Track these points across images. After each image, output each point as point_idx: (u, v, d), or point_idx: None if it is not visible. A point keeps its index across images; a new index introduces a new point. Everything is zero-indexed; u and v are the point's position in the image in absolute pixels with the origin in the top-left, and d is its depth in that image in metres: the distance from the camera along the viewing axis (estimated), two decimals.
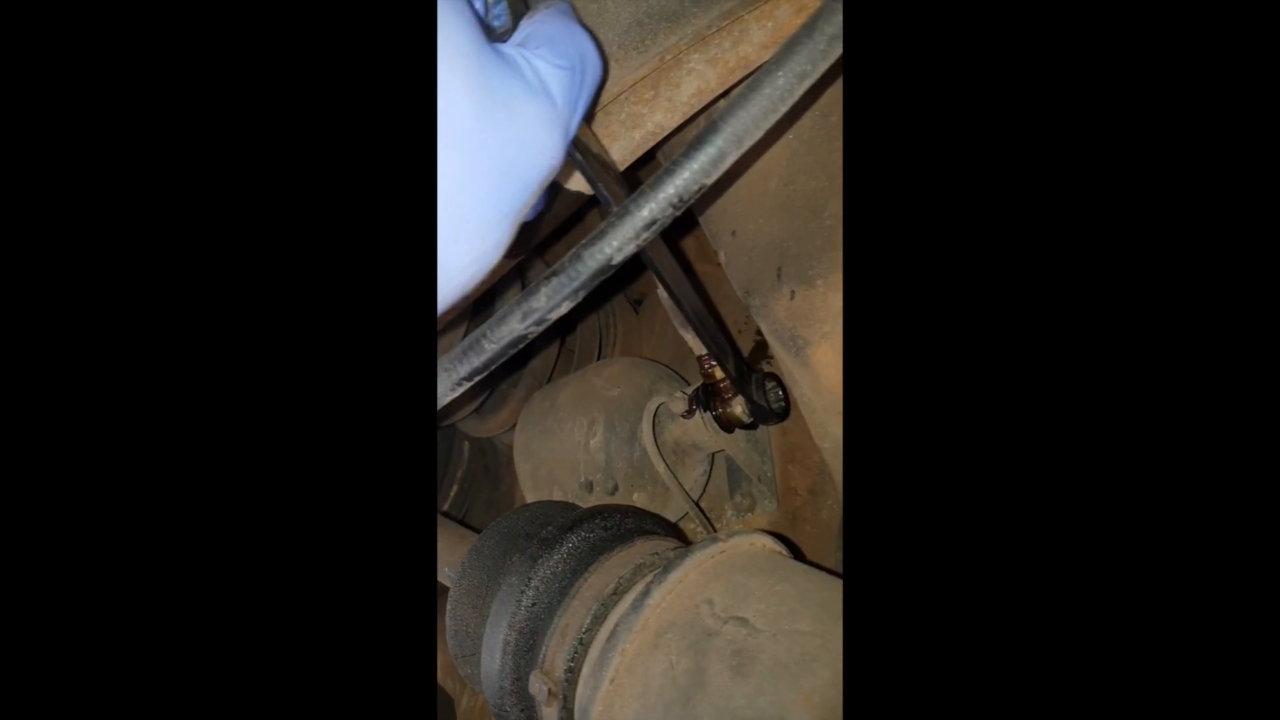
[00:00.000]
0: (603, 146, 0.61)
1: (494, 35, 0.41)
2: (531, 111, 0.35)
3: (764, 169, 0.86)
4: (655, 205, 0.52)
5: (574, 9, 0.46)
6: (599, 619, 0.60)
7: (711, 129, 0.51)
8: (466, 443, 1.51)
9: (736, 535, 0.61)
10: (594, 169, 0.56)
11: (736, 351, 0.92)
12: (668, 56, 0.66)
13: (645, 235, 0.53)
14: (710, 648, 0.50)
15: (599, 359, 1.33)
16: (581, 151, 0.53)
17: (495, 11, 0.39)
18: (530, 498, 1.09)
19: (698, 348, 1.02)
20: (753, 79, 0.51)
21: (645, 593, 0.55)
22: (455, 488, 1.51)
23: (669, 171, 0.52)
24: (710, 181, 0.52)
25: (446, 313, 0.34)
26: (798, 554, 0.67)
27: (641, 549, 0.67)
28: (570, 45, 0.37)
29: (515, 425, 1.18)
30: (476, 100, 0.31)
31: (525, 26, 0.40)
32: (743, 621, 0.51)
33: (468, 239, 0.33)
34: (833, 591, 0.53)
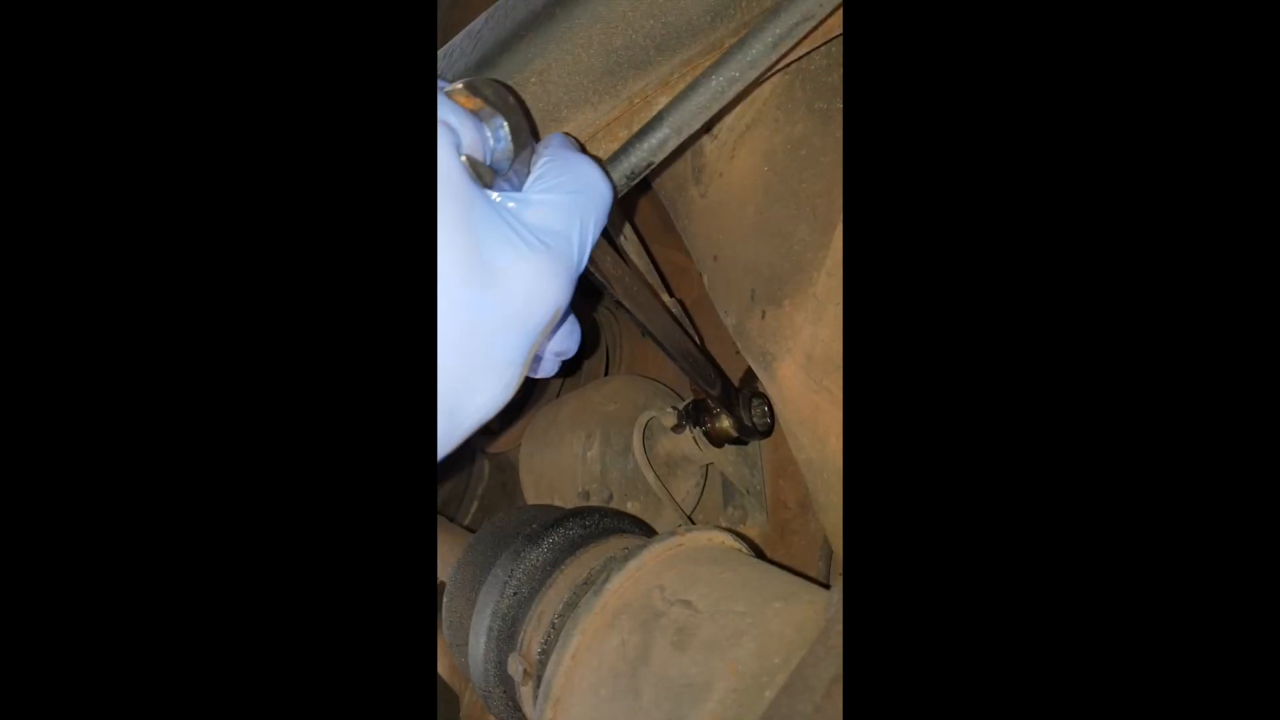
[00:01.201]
0: (618, 252, 0.66)
1: (494, 157, 0.39)
2: (528, 269, 0.34)
3: (742, 198, 0.93)
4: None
5: (574, 139, 0.45)
6: (570, 605, 0.67)
7: (656, 119, 0.60)
8: (487, 462, 1.59)
9: (696, 530, 0.67)
10: (609, 279, 0.62)
11: (721, 373, 0.98)
12: (636, 100, 0.73)
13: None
14: (656, 626, 0.56)
15: (605, 371, 1.40)
16: (596, 267, 0.58)
17: (497, 134, 0.37)
18: None
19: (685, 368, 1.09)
20: (694, 81, 0.60)
21: (605, 578, 0.61)
22: (476, 504, 1.58)
23: (623, 152, 0.61)
24: (656, 160, 0.60)
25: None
26: (759, 554, 0.73)
27: (614, 545, 0.73)
28: (573, 182, 0.38)
29: None
30: (465, 271, 0.32)
31: (529, 162, 0.40)
32: (687, 604, 0.57)
33: (474, 387, 0.33)
34: (773, 579, 0.59)
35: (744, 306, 0.88)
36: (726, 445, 1.09)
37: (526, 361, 0.36)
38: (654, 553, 0.63)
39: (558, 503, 1.11)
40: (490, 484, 1.63)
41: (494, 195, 0.37)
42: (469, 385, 0.33)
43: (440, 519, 1.21)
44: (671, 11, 0.67)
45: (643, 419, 1.04)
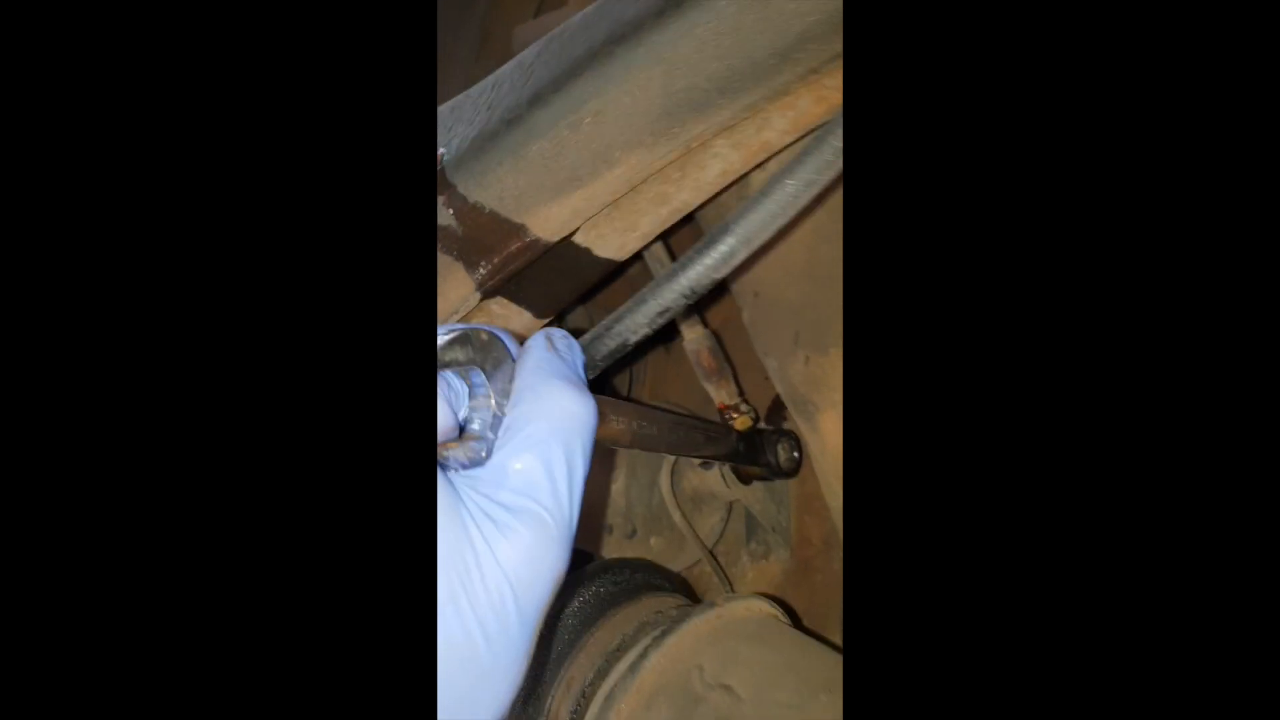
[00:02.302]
0: (632, 413, 0.63)
1: (471, 399, 0.39)
2: (519, 549, 0.33)
3: (790, 236, 0.90)
4: (668, 296, 0.57)
5: (548, 347, 0.43)
6: (602, 674, 0.64)
7: (723, 229, 0.56)
8: None
9: (734, 600, 0.64)
10: (617, 443, 0.59)
11: (744, 434, 0.95)
12: (694, 143, 0.70)
13: (659, 321, 0.57)
14: (696, 713, 0.53)
15: (628, 398, 1.37)
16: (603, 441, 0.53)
17: (475, 381, 0.37)
18: None
19: (719, 399, 1.06)
20: (765, 185, 0.56)
21: (643, 654, 0.59)
22: None
23: (683, 266, 0.57)
24: (721, 276, 0.57)
25: None
26: (795, 617, 0.70)
27: (648, 606, 0.71)
28: (550, 425, 0.36)
29: None
30: (450, 589, 0.31)
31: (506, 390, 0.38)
32: (728, 689, 0.54)
33: (485, 688, 0.32)
34: (818, 660, 0.56)
35: (786, 350, 0.85)
36: (755, 482, 1.06)
37: (533, 638, 0.34)
38: (692, 627, 0.61)
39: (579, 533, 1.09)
40: None
41: (463, 473, 0.35)
42: (477, 690, 0.32)
43: None
44: (736, 54, 0.64)
45: (671, 455, 1.01)
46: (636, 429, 0.66)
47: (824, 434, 0.77)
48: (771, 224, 0.55)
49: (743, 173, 0.75)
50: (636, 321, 0.57)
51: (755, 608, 0.64)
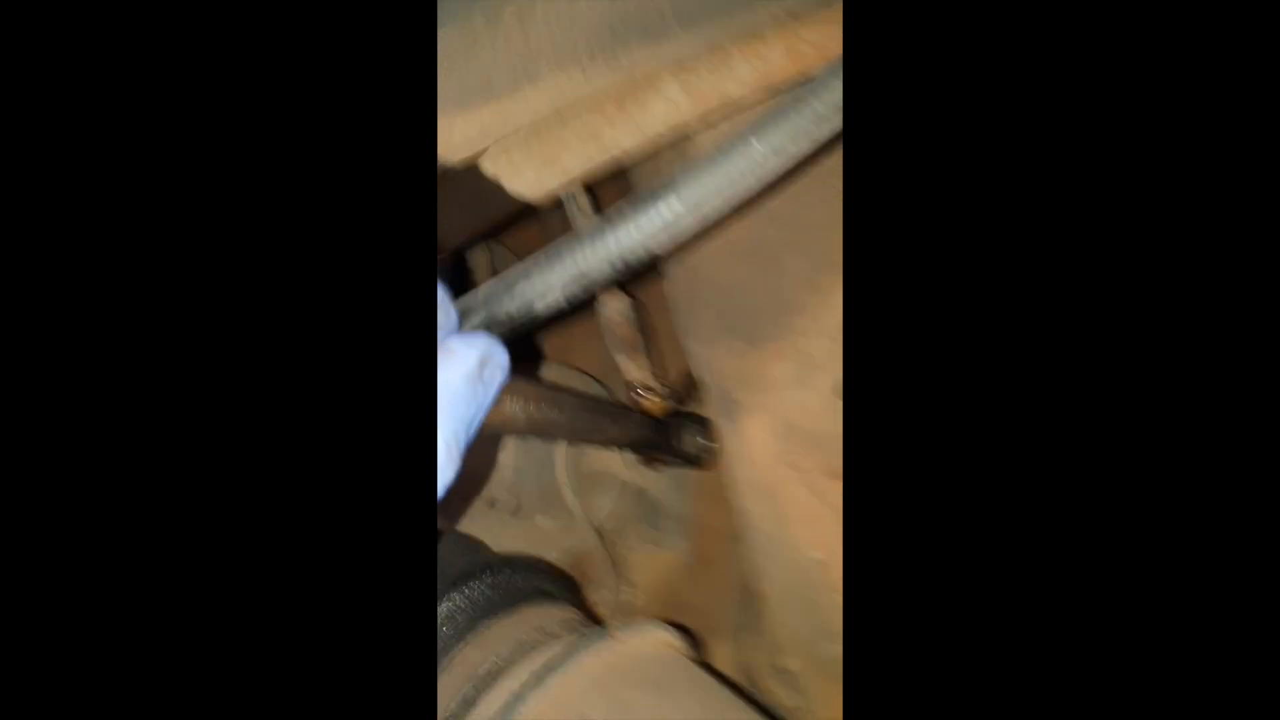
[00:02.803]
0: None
1: None
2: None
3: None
4: (590, 257, 0.45)
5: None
6: (467, 703, 0.54)
7: (666, 186, 0.44)
8: None
9: (633, 632, 0.55)
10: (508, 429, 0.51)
11: (651, 418, 0.85)
12: (639, 76, 0.58)
13: (573, 288, 0.45)
14: None
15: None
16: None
17: None
18: None
19: (629, 375, 0.95)
20: (725, 143, 0.44)
21: (520, 698, 0.48)
22: None
23: (611, 222, 0.45)
24: (660, 249, 0.45)
25: None
26: (694, 640, 0.62)
27: (528, 619, 0.60)
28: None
29: None
30: None
31: None
32: None
33: None
34: (722, 717, 0.48)
35: (710, 333, 0.75)
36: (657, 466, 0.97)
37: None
38: (582, 665, 0.51)
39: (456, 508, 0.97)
40: None
41: None
42: None
43: None
44: None
45: None
46: (533, 413, 0.54)
47: (748, 439, 0.68)
48: (727, 191, 0.43)
49: (690, 123, 0.63)
50: (548, 283, 0.44)
51: (657, 640, 0.55)
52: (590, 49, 0.56)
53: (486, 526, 0.93)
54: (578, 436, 0.64)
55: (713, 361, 0.74)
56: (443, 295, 0.37)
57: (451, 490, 0.34)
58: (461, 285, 0.45)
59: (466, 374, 0.35)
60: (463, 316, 0.46)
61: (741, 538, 0.78)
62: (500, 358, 0.37)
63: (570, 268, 0.45)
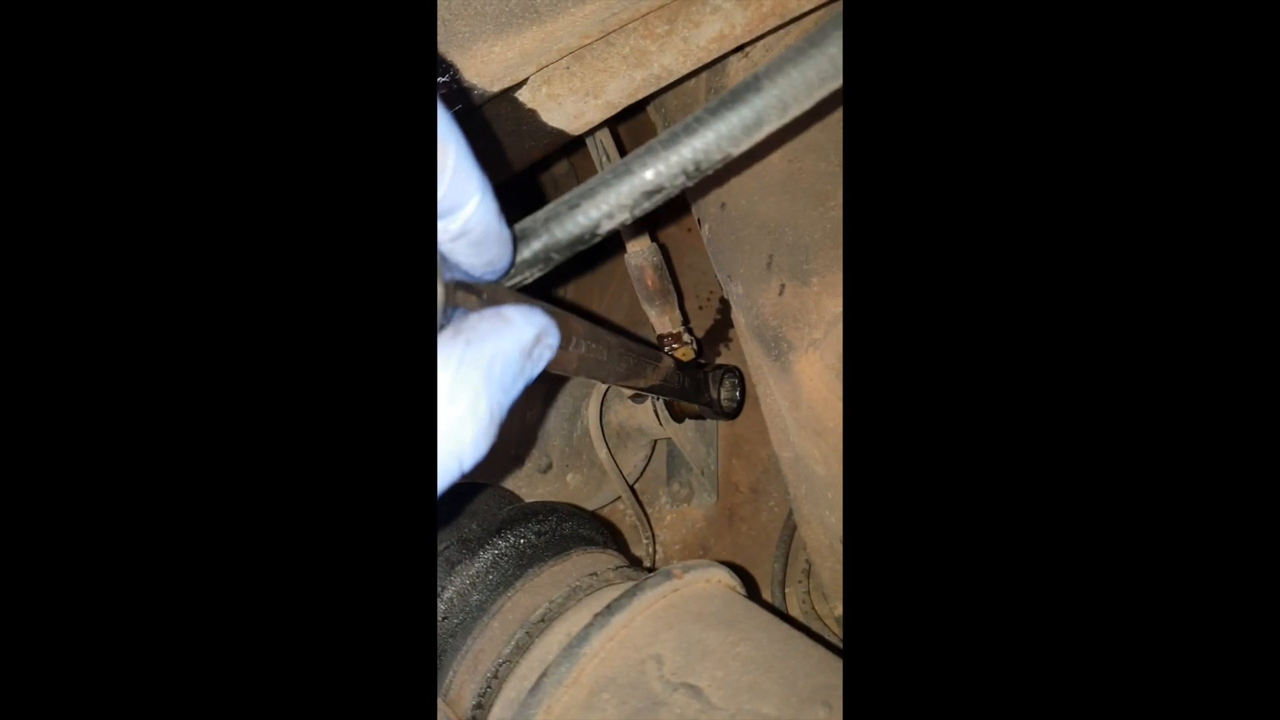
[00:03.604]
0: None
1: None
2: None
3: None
4: (664, 168, 0.41)
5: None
6: (521, 649, 0.51)
7: (751, 86, 0.41)
8: None
9: (694, 570, 0.52)
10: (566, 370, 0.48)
11: (684, 367, 0.82)
12: None
13: (645, 204, 0.42)
14: None
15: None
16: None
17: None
18: None
19: (660, 326, 0.92)
20: (809, 37, 0.41)
21: (583, 637, 0.46)
22: None
23: (689, 129, 0.41)
24: (739, 151, 0.42)
25: None
26: (751, 588, 0.60)
27: (578, 565, 0.58)
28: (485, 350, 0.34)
29: None
30: None
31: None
32: (695, 691, 0.42)
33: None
34: (803, 658, 0.45)
35: (756, 274, 0.72)
36: (686, 420, 0.95)
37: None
38: (645, 603, 0.48)
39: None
40: None
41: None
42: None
43: None
44: None
45: (601, 385, 0.87)
46: (584, 353, 0.51)
47: (798, 379, 0.65)
48: (816, 89, 0.40)
49: (743, 41, 0.60)
50: (616, 200, 0.41)
51: (715, 578, 0.53)
52: None
53: (515, 484, 0.91)
54: (624, 379, 0.61)
55: (759, 304, 0.71)
56: (500, 226, 0.35)
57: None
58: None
59: (521, 347, 0.34)
60: (522, 239, 0.43)
61: (790, 483, 0.75)
62: (553, 337, 0.36)
63: (640, 181, 0.41)
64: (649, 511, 1.04)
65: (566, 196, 0.43)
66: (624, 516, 1.02)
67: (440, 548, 0.58)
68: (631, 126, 1.10)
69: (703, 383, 0.87)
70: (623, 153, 0.91)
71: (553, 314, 0.38)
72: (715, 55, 0.59)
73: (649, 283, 0.90)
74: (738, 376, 0.91)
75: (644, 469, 1.02)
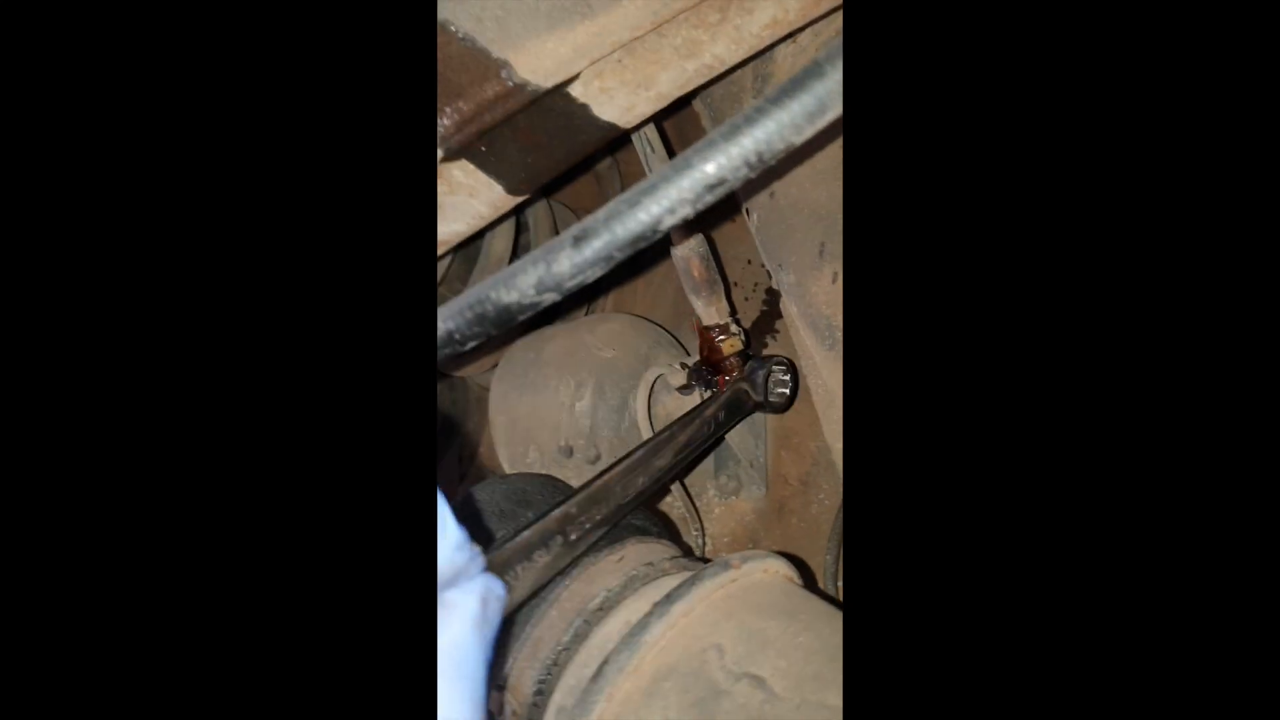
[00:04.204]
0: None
1: None
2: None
3: None
4: (725, 160, 0.41)
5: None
6: (579, 637, 0.52)
7: (814, 71, 0.40)
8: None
9: (751, 560, 0.52)
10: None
11: (731, 395, 0.82)
12: None
13: (707, 198, 0.42)
14: (719, 711, 0.41)
15: (588, 310, 1.22)
16: None
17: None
18: (503, 453, 0.99)
19: (707, 317, 0.92)
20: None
21: (643, 626, 0.46)
22: None
23: (750, 119, 0.41)
24: (802, 139, 0.41)
25: None
26: (807, 578, 0.59)
27: (633, 554, 0.58)
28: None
29: (493, 367, 1.08)
30: None
31: None
32: (758, 681, 0.42)
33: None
34: None
35: (809, 262, 0.71)
36: None
37: None
38: (704, 592, 0.48)
39: (534, 453, 0.95)
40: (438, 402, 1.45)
41: None
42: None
43: None
44: None
45: (650, 375, 0.88)
46: (551, 554, 0.51)
47: None
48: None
49: (796, 26, 0.59)
50: (677, 195, 0.41)
51: (773, 569, 0.52)
52: None
53: (566, 474, 0.92)
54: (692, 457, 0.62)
55: (811, 293, 0.70)
56: (459, 534, 0.34)
57: None
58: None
59: (473, 622, 0.33)
60: (583, 239, 0.43)
61: (820, 477, 0.74)
62: (498, 589, 0.35)
63: (701, 175, 0.41)
64: (697, 504, 1.04)
65: (626, 194, 0.43)
66: (672, 508, 1.02)
67: (500, 536, 0.59)
68: (676, 122, 1.09)
69: (743, 395, 0.86)
70: (667, 148, 0.90)
71: (493, 558, 0.36)
72: (768, 42, 0.59)
73: (695, 274, 0.90)
74: (787, 367, 0.90)
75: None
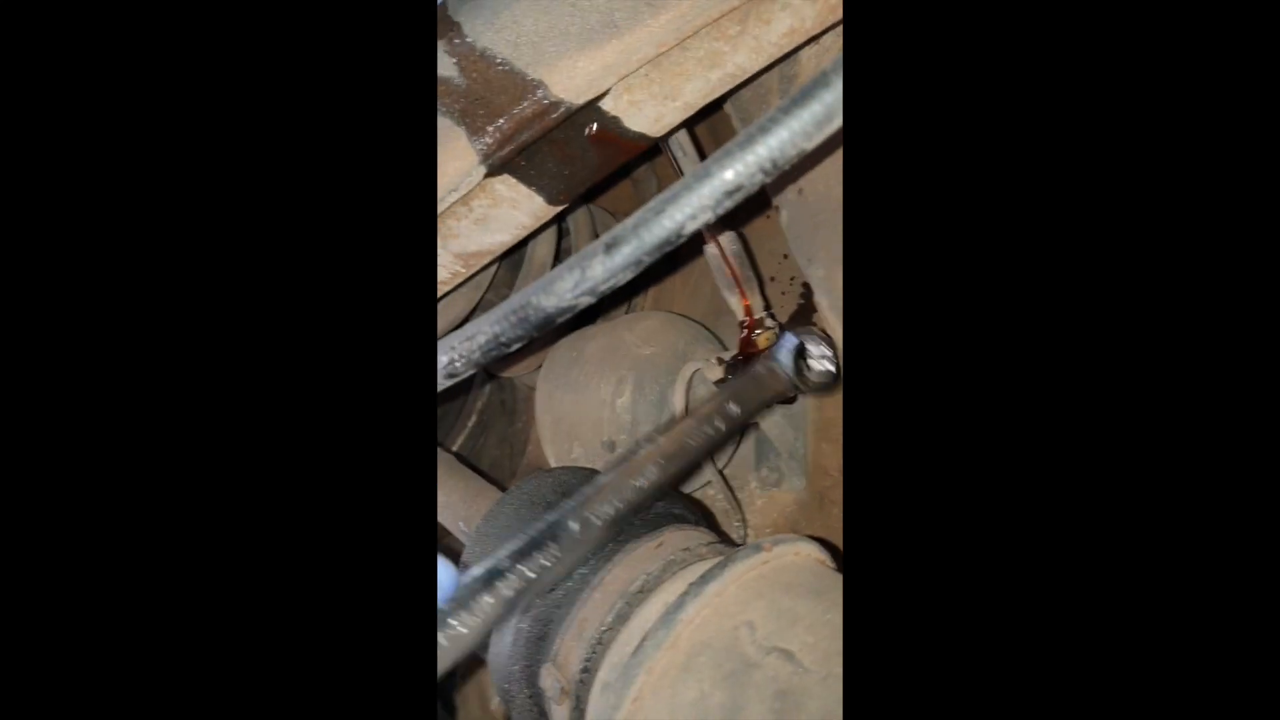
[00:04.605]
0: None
1: None
2: None
3: None
4: (742, 168, 0.44)
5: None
6: (621, 618, 0.55)
7: (821, 81, 0.43)
8: (485, 377, 1.46)
9: (781, 543, 0.55)
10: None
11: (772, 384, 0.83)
12: None
13: (726, 203, 0.45)
14: (750, 682, 0.44)
15: (628, 308, 1.26)
16: None
17: None
18: (548, 450, 1.04)
19: (740, 313, 0.95)
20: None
21: (679, 605, 0.50)
22: (474, 419, 1.46)
23: (763, 129, 0.44)
24: (812, 145, 0.44)
25: None
26: (839, 561, 0.62)
27: (671, 541, 0.61)
28: None
29: (539, 368, 1.12)
30: None
31: None
32: (788, 655, 0.45)
33: None
34: None
35: (837, 256, 0.73)
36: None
37: None
38: (736, 573, 0.51)
39: (578, 449, 0.99)
40: (489, 402, 1.51)
41: None
42: None
43: (442, 453, 1.09)
44: None
45: (687, 370, 0.91)
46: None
47: None
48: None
49: (813, 34, 0.61)
50: (698, 202, 0.44)
51: (804, 552, 0.55)
52: None
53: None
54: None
55: (840, 283, 0.72)
56: (443, 564, 0.44)
57: None
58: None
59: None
60: (614, 245, 0.46)
61: None
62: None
63: (720, 182, 0.44)
64: (739, 496, 1.07)
65: (652, 203, 0.47)
66: (714, 500, 1.05)
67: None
68: (711, 124, 1.12)
69: (762, 381, 0.85)
70: (700, 151, 0.93)
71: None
72: (787, 50, 0.61)
73: (728, 270, 0.93)
74: (828, 344, 0.85)
75: (733, 453, 1.05)
